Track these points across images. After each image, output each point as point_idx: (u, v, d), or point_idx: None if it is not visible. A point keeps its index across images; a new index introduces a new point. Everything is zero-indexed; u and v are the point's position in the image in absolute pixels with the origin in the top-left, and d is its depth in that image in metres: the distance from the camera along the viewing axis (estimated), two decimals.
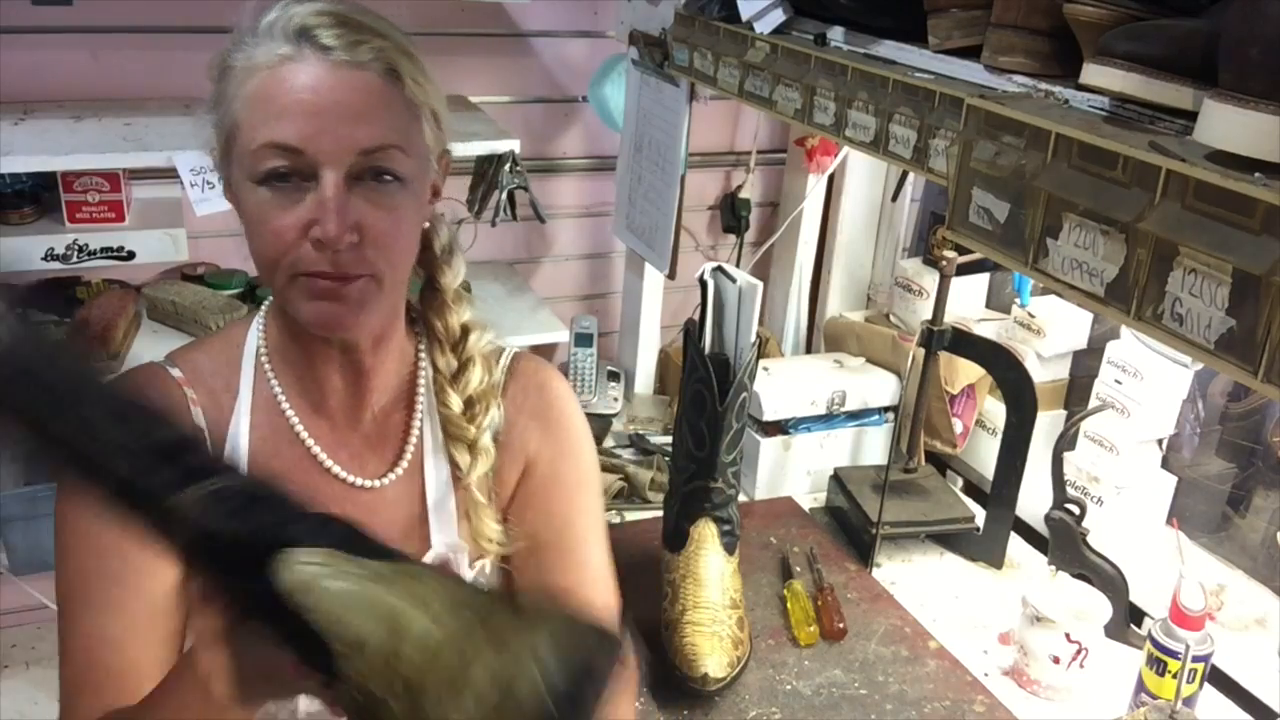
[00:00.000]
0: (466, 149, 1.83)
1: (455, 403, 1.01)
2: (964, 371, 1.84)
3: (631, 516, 1.79)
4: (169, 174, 1.60)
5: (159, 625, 0.92)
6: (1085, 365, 1.85)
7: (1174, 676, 1.30)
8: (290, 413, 0.98)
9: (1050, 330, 1.82)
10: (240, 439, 0.97)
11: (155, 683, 0.85)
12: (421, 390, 1.02)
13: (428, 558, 0.99)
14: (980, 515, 1.74)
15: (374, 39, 0.87)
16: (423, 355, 1.03)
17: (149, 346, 1.77)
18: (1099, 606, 1.45)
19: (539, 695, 0.54)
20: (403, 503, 1.01)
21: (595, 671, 0.56)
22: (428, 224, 0.99)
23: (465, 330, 1.03)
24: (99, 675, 0.90)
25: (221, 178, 0.93)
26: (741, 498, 1.81)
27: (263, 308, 1.01)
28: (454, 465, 1.02)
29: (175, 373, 0.97)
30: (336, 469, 0.99)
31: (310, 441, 0.98)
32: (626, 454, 1.99)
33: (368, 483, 1.00)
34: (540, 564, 1.03)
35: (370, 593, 0.57)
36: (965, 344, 1.68)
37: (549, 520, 1.05)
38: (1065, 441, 1.58)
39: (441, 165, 0.97)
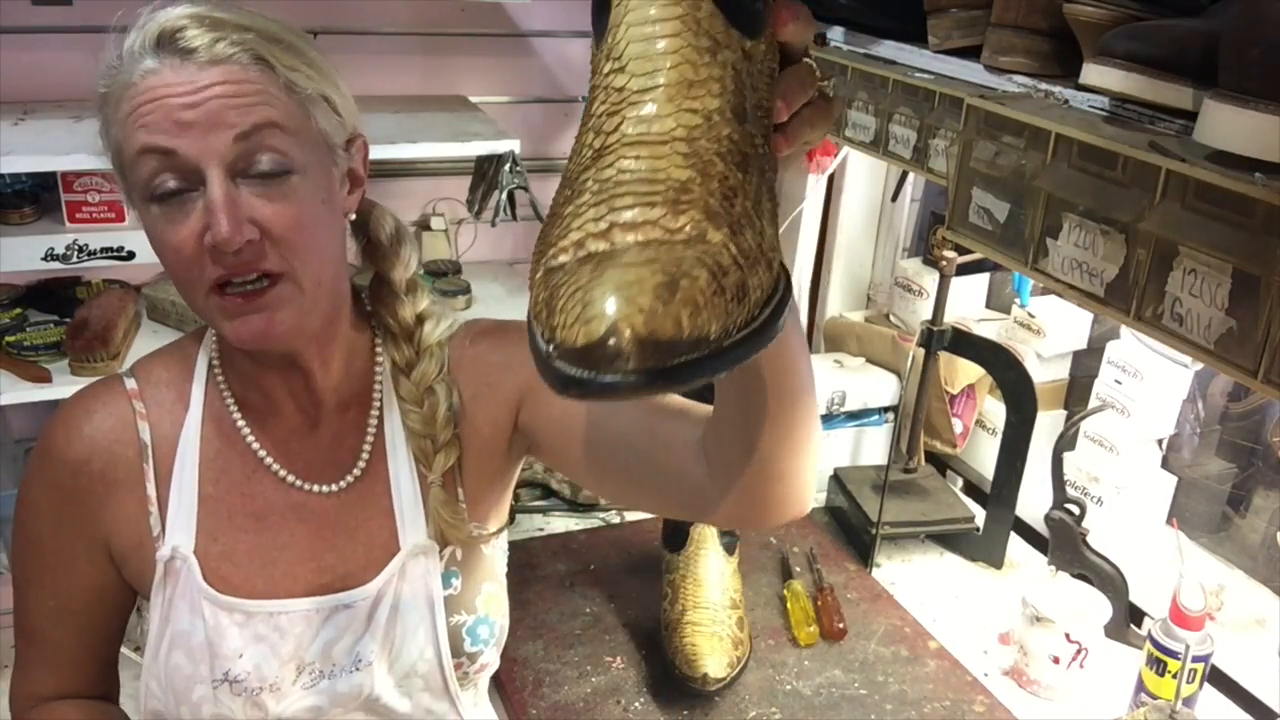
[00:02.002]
0: (466, 149, 1.83)
1: (413, 395, 0.99)
2: (964, 371, 1.84)
3: (631, 517, 1.78)
4: None
5: (76, 616, 1.00)
6: (1085, 365, 1.85)
7: (1174, 676, 1.30)
8: (241, 424, 0.97)
9: (1050, 330, 1.82)
10: (190, 451, 0.96)
11: (74, 665, 1.02)
12: (379, 386, 1.01)
13: (395, 560, 0.97)
14: (980, 515, 1.74)
15: (235, 32, 0.84)
16: (379, 348, 1.01)
17: (149, 346, 1.75)
18: (1099, 606, 1.45)
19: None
20: (366, 503, 0.99)
21: None
22: (353, 216, 0.96)
23: (420, 320, 1.01)
24: (44, 648, 1.01)
25: (135, 211, 0.90)
26: None
27: None
28: (418, 461, 1.00)
29: (130, 384, 0.98)
30: (291, 478, 0.97)
31: (263, 453, 0.97)
32: None
33: (327, 488, 0.98)
34: (584, 445, 0.96)
35: None
36: (965, 344, 1.68)
37: (571, 419, 0.96)
38: (1065, 441, 1.58)
39: (355, 151, 0.94)
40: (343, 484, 0.99)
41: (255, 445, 0.97)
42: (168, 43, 0.83)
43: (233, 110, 0.82)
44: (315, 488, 0.98)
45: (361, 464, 0.99)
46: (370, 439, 1.00)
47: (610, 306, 0.45)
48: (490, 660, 1.03)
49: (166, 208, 0.83)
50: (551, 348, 0.47)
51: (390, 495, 0.99)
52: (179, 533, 0.95)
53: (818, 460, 0.83)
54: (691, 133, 0.50)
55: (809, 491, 0.84)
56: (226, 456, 0.97)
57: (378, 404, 1.00)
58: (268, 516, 0.97)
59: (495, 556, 1.05)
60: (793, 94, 0.57)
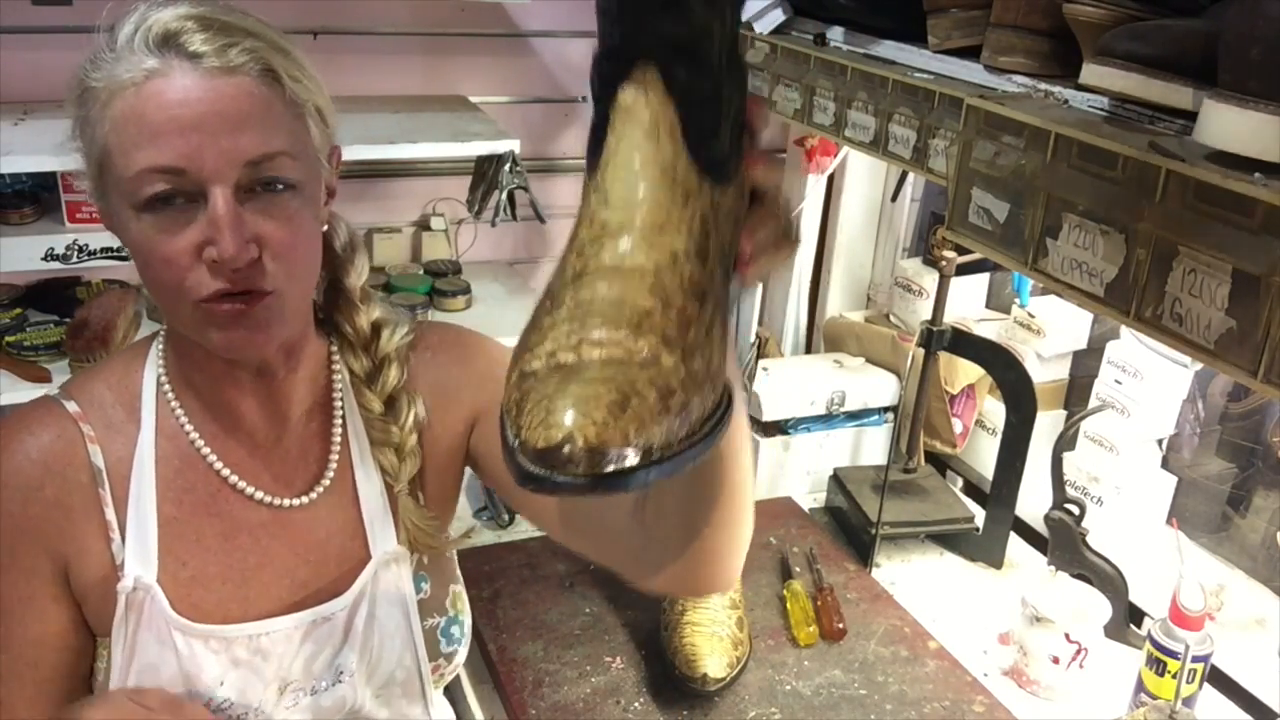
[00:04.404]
0: (466, 149, 1.83)
1: (376, 405, 0.97)
2: (964, 371, 1.84)
3: None
4: None
5: (34, 670, 0.89)
6: (1085, 365, 1.85)
7: (1173, 676, 1.30)
8: (200, 442, 0.93)
9: (1050, 330, 1.82)
10: (147, 473, 0.91)
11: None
12: (338, 393, 0.99)
13: (368, 568, 0.96)
14: (980, 515, 1.74)
15: (245, 39, 0.82)
16: (335, 358, 0.99)
17: None
18: (1098, 606, 1.45)
19: None
20: (336, 514, 0.97)
21: None
22: (325, 226, 0.94)
23: (376, 329, 0.99)
24: None
25: (98, 207, 0.87)
26: None
27: (161, 330, 0.96)
28: (383, 470, 0.98)
29: (71, 407, 0.91)
30: (259, 494, 0.94)
31: (226, 471, 0.93)
32: None
33: (294, 501, 0.95)
34: None
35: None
36: (965, 344, 1.68)
37: None
38: (1065, 441, 1.58)
39: (333, 162, 0.92)
40: (313, 495, 0.96)
41: (218, 463, 0.93)
42: (173, 43, 0.80)
43: (245, 134, 0.80)
44: (284, 501, 0.95)
45: (330, 474, 0.97)
46: (336, 448, 0.98)
47: (568, 418, 0.52)
48: (461, 659, 1.04)
49: (160, 218, 0.80)
50: (517, 444, 0.54)
51: (358, 504, 0.98)
52: (139, 562, 0.89)
53: (749, 541, 0.87)
54: (659, 268, 0.58)
55: (738, 569, 0.89)
56: (188, 476, 0.92)
57: (340, 413, 0.99)
58: (237, 536, 0.94)
59: (453, 558, 1.06)
60: (757, 232, 0.63)
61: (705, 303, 0.59)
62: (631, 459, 0.52)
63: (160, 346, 0.95)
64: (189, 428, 0.93)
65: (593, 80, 0.61)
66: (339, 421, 0.98)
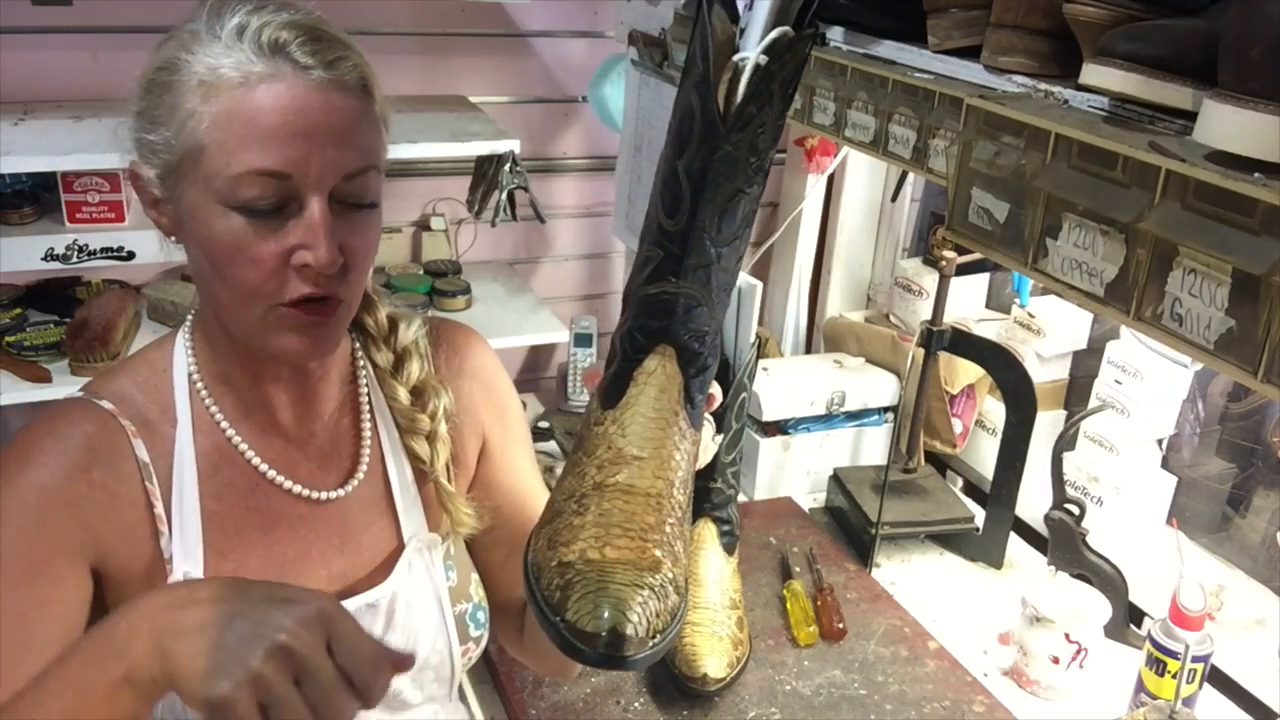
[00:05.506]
0: (466, 149, 1.83)
1: (403, 396, 1.00)
2: (964, 371, 1.84)
3: None
4: None
5: (33, 654, 0.80)
6: (1085, 365, 1.85)
7: (1173, 677, 1.30)
8: (236, 437, 0.94)
9: (1050, 330, 1.82)
10: (186, 468, 0.91)
11: None
12: (364, 388, 1.01)
13: (405, 555, 1.00)
14: (980, 515, 1.74)
15: (349, 53, 0.85)
16: (359, 354, 1.02)
17: None
18: (1098, 606, 1.45)
19: None
20: (370, 506, 1.00)
21: None
22: None
23: (393, 322, 1.02)
24: None
25: (161, 196, 0.86)
26: (741, 498, 1.81)
27: (184, 327, 0.96)
28: (413, 459, 1.01)
29: (106, 405, 0.90)
30: (296, 488, 0.96)
31: (264, 466, 0.95)
32: None
33: (330, 494, 0.97)
34: (510, 530, 1.07)
35: None
36: (965, 344, 1.68)
37: (511, 496, 1.09)
38: (1065, 441, 1.58)
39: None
40: (347, 488, 0.99)
41: (255, 459, 0.95)
42: (283, 50, 0.81)
43: (348, 147, 0.83)
44: (320, 495, 0.97)
45: (363, 467, 1.00)
46: (367, 442, 1.00)
47: (609, 614, 0.71)
48: (485, 642, 1.08)
49: (253, 219, 0.82)
50: (561, 621, 0.72)
51: (391, 495, 1.01)
52: (184, 557, 0.90)
53: None
54: (660, 493, 0.76)
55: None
56: (226, 472, 0.94)
57: (368, 407, 1.01)
58: (275, 529, 0.95)
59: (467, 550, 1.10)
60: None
61: (684, 520, 0.78)
62: (647, 645, 0.71)
63: (188, 344, 0.95)
64: (224, 424, 0.94)
65: (625, 340, 0.82)
66: (367, 415, 1.01)
